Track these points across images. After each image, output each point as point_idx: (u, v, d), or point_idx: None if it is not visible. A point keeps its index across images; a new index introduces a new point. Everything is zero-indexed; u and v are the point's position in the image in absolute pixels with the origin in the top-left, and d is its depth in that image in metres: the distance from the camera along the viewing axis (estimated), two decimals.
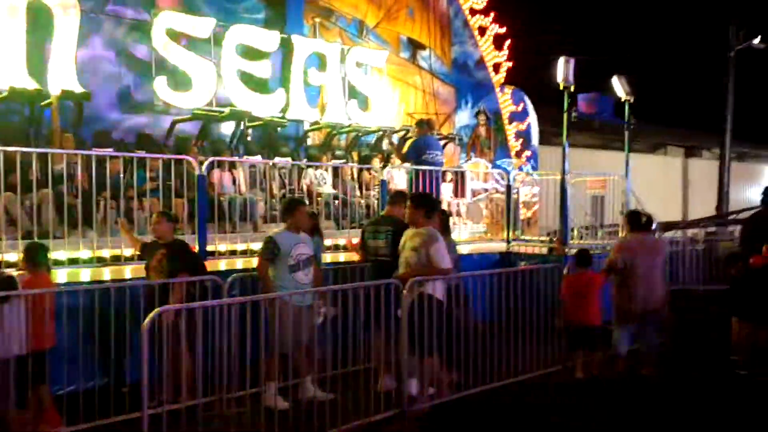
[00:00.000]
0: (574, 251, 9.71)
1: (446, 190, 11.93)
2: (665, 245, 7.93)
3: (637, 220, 7.20)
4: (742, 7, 21.27)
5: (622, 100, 10.84)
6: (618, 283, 7.01)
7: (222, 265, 7.36)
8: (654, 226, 8.05)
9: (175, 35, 9.95)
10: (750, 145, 29.11)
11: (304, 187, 10.05)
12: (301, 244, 6.17)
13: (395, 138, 12.93)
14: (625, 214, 7.79)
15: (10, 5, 8.43)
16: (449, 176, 12.21)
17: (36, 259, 5.36)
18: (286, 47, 11.25)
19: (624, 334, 6.99)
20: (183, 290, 5.85)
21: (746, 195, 27.70)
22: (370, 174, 10.97)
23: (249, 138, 11.27)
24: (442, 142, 13.20)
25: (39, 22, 8.79)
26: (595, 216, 11.44)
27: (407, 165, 9.72)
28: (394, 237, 6.38)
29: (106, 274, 6.77)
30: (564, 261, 8.71)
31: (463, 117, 14.69)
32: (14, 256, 6.37)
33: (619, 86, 10.79)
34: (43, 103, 8.90)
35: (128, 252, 7.03)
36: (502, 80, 14.38)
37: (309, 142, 12.22)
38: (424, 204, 6.14)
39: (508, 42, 14.32)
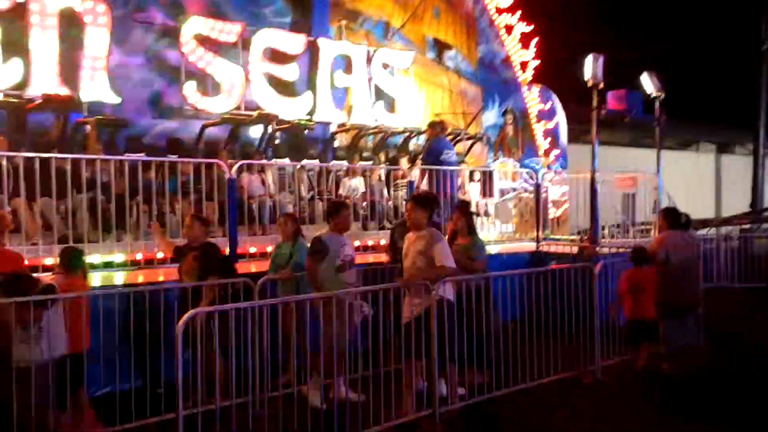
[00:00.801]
0: (605, 250, 9.66)
1: (474, 190, 11.90)
2: (700, 242, 7.93)
3: (677, 218, 7.36)
4: None
5: (652, 96, 10.70)
6: (661, 278, 7.11)
7: (252, 267, 7.44)
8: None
9: (203, 40, 10.07)
10: None
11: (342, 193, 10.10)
12: (346, 245, 6.25)
13: (422, 139, 12.96)
14: (663, 210, 7.75)
15: (43, 13, 8.61)
16: (477, 176, 12.18)
17: (72, 263, 5.47)
18: (313, 50, 11.32)
19: (670, 329, 7.13)
20: (214, 292, 5.93)
21: None
22: (401, 174, 10.95)
23: (277, 141, 11.37)
24: (469, 142, 13.24)
25: (71, 30, 8.96)
26: (626, 214, 11.32)
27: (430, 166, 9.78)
28: None
29: (140, 276, 6.89)
30: (595, 260, 8.63)
31: (491, 116, 14.64)
32: (50, 260, 6.52)
33: (648, 83, 10.67)
34: (79, 120, 9.07)
35: (161, 255, 7.13)
36: (530, 79, 14.30)
37: (336, 143, 12.29)
38: (429, 205, 5.99)
39: (535, 40, 14.25)
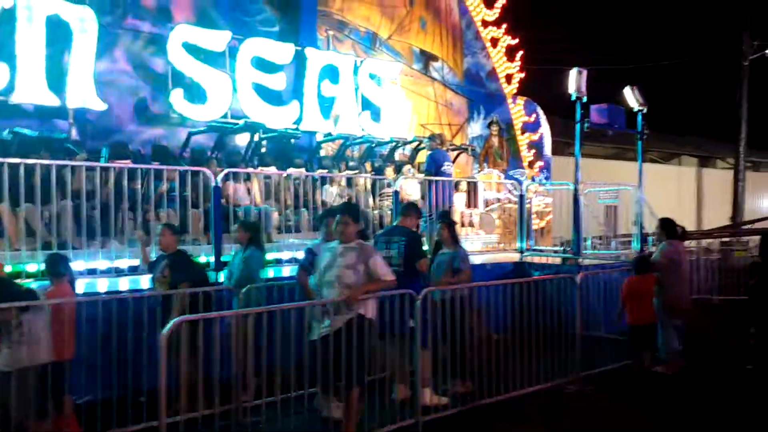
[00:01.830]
0: (587, 261, 9.76)
1: (459, 201, 11.96)
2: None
3: (674, 229, 7.85)
4: (756, 16, 21.22)
5: (635, 110, 10.84)
6: (667, 284, 7.52)
7: None
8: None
9: (191, 48, 10.08)
10: (765, 154, 28.95)
11: (318, 202, 10.07)
12: None
13: (408, 149, 13.04)
14: (662, 221, 7.97)
15: (30, 19, 8.58)
16: (462, 186, 12.25)
17: (57, 269, 5.45)
18: (300, 59, 11.36)
19: (670, 334, 7.58)
20: (184, 301, 5.90)
21: (761, 204, 27.50)
22: (387, 184, 11.00)
23: (263, 149, 11.37)
24: (455, 153, 13.32)
25: (58, 36, 8.94)
26: (608, 226, 11.42)
27: (420, 176, 9.84)
28: (406, 247, 6.42)
29: (124, 284, 6.87)
30: (575, 271, 8.71)
31: (476, 128, 14.75)
32: (33, 267, 6.49)
33: (631, 97, 10.80)
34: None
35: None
36: (515, 91, 14.44)
37: (322, 153, 12.31)
38: (359, 216, 5.72)
39: (520, 53, 14.40)
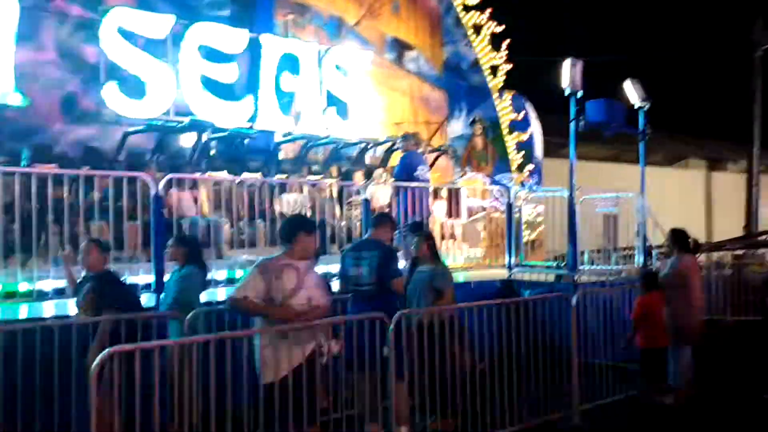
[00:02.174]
0: (584, 278, 9.83)
1: (439, 210, 11.98)
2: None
3: (686, 242, 7.97)
4: None
5: (636, 107, 10.97)
6: (675, 304, 7.61)
7: None
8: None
9: (128, 35, 9.99)
10: None
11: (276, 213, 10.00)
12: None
13: (380, 151, 13.06)
14: (673, 232, 8.08)
15: None
16: (443, 193, 12.28)
17: None
18: (255, 48, 11.33)
19: (687, 357, 7.69)
20: (107, 330, 5.78)
21: None
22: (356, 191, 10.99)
23: (212, 152, 11.30)
24: (433, 155, 13.36)
25: None
26: (607, 238, 11.52)
27: (391, 182, 9.86)
28: (379, 264, 6.38)
29: (49, 309, 6.75)
30: (571, 289, 8.76)
31: (457, 126, 14.83)
32: None
33: (632, 91, 10.93)
34: None
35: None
36: (501, 84, 14.54)
37: (281, 155, 12.27)
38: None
39: (506, 42, 14.50)
